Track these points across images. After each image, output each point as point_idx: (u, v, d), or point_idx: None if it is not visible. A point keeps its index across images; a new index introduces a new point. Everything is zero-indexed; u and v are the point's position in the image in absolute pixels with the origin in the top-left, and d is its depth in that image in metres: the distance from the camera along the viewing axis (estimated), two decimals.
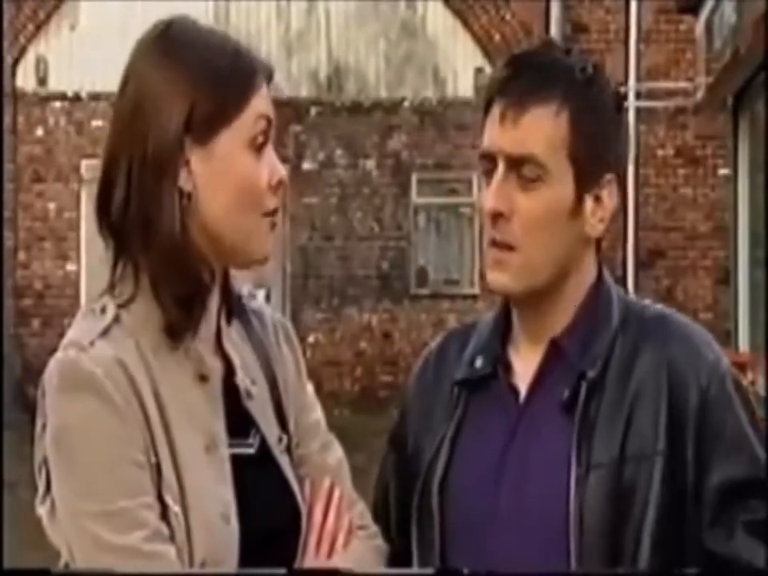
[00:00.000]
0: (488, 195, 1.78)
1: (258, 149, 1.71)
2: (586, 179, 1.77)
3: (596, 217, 1.80)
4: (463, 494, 1.81)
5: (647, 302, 1.89)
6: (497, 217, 1.77)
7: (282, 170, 1.74)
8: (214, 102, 1.69)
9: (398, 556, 1.85)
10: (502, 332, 1.86)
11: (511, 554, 1.75)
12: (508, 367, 1.83)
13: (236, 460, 1.73)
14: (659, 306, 1.87)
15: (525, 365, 1.82)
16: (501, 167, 1.77)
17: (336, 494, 1.81)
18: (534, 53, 1.84)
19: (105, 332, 1.68)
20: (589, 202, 1.79)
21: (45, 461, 1.68)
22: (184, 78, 1.69)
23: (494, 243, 1.78)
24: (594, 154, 1.78)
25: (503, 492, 1.78)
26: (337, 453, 1.88)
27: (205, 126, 1.69)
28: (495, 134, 1.78)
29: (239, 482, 1.71)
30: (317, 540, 1.77)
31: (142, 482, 1.63)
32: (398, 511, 1.89)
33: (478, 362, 1.84)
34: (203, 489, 1.67)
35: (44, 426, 1.67)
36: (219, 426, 1.72)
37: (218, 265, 1.74)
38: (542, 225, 1.76)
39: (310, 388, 1.91)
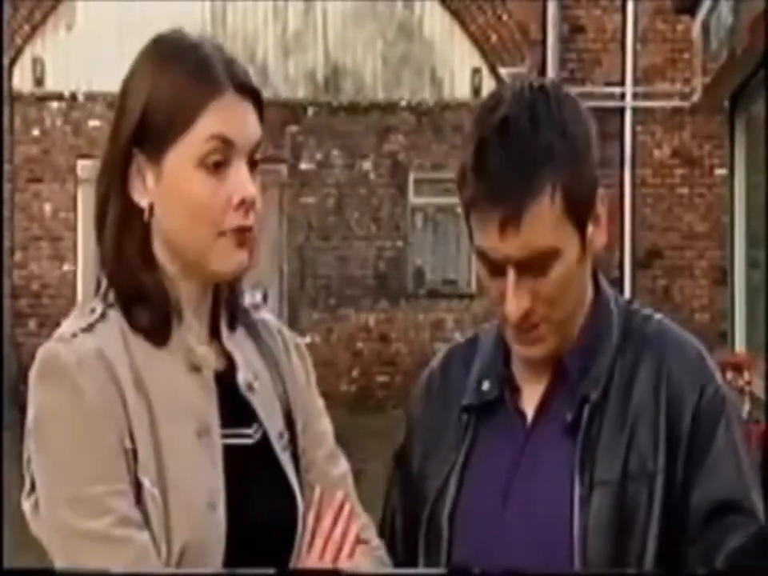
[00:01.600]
0: (508, 305, 1.73)
1: (212, 168, 1.69)
2: (587, 225, 1.77)
3: (597, 234, 1.80)
4: (471, 520, 1.81)
5: (646, 310, 1.88)
6: (526, 315, 1.74)
7: (249, 190, 1.71)
8: (162, 117, 1.70)
9: (402, 566, 1.86)
10: (505, 351, 1.85)
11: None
12: (515, 389, 1.84)
13: (233, 450, 1.74)
14: (658, 317, 1.87)
15: (531, 386, 1.82)
16: (512, 272, 1.72)
17: (346, 508, 1.81)
18: (505, 144, 1.71)
19: (89, 327, 1.71)
20: (591, 229, 1.78)
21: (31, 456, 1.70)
22: (142, 89, 1.71)
23: (519, 327, 1.76)
24: (589, 200, 1.77)
25: (510, 516, 1.79)
26: (343, 466, 1.89)
27: (155, 141, 1.70)
28: (496, 241, 1.71)
29: (234, 472, 1.72)
30: (323, 545, 1.77)
31: (112, 469, 1.65)
32: (404, 526, 1.91)
33: (485, 386, 1.84)
34: (189, 474, 1.68)
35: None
36: (212, 413, 1.73)
37: (192, 277, 1.74)
38: (564, 293, 1.75)
39: (319, 401, 1.92)
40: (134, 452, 1.67)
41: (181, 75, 1.70)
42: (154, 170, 1.71)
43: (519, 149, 1.71)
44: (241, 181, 1.70)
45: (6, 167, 14.24)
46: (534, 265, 1.72)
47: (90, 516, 1.64)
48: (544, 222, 1.71)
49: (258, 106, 1.75)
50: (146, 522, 1.66)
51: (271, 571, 1.72)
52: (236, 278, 1.80)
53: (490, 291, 1.77)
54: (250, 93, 1.73)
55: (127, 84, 1.74)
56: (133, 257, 1.72)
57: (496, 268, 1.74)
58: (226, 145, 1.70)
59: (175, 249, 1.72)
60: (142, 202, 1.72)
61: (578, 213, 1.75)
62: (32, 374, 1.70)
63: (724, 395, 1.79)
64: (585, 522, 1.72)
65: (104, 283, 1.75)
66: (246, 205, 1.71)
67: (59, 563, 1.67)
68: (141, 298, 1.72)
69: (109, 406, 1.66)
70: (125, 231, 1.72)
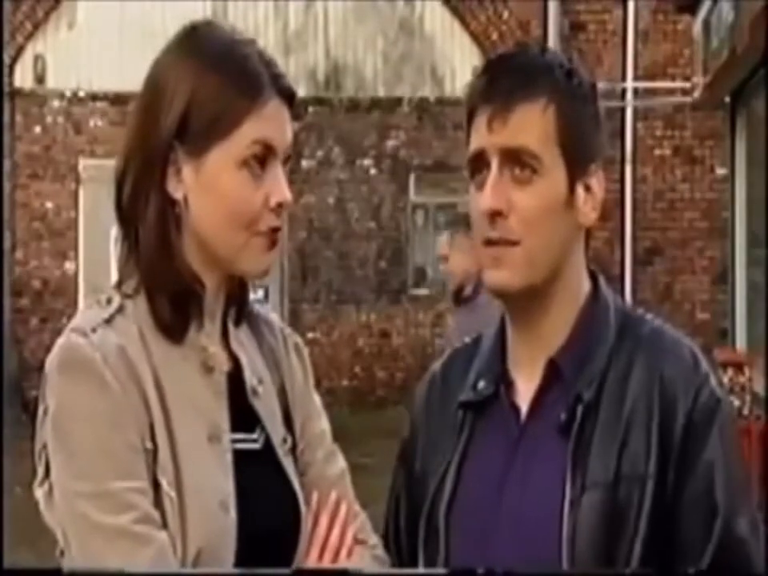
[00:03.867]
0: (484, 195, 1.78)
1: (252, 169, 1.73)
2: (576, 169, 1.80)
3: (588, 206, 1.81)
4: (466, 515, 1.82)
5: (643, 312, 1.88)
6: (495, 216, 1.77)
7: (285, 193, 1.76)
8: (207, 117, 1.71)
9: (408, 562, 1.87)
10: (501, 348, 1.86)
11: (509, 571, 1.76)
12: (510, 385, 1.84)
13: (239, 455, 1.74)
14: (654, 320, 1.87)
15: (525, 382, 1.83)
16: (494, 165, 1.78)
17: (342, 508, 1.82)
18: (510, 56, 1.85)
19: (108, 320, 1.71)
20: (580, 192, 1.80)
21: (45, 445, 1.70)
22: (185, 86, 1.72)
23: (491, 242, 1.78)
24: (581, 143, 1.80)
25: (503, 511, 1.79)
26: (340, 464, 1.90)
27: (197, 138, 1.71)
28: (484, 135, 1.78)
29: (241, 477, 1.73)
30: (319, 551, 1.78)
31: (135, 467, 1.65)
32: (408, 522, 1.91)
33: (481, 384, 1.85)
34: (202, 476, 1.69)
35: (45, 411, 1.69)
36: (223, 417, 1.74)
37: (215, 272, 1.76)
38: (540, 219, 1.77)
39: (317, 398, 1.93)
40: (154, 452, 1.67)
41: (227, 79, 1.72)
42: (193, 164, 1.72)
43: (522, 61, 1.82)
44: (279, 183, 1.76)
45: (6, 165, 14.25)
46: (516, 164, 1.77)
47: (112, 511, 1.63)
48: (532, 125, 1.77)
49: (292, 107, 1.80)
50: (163, 523, 1.66)
51: (287, 571, 1.72)
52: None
53: (474, 212, 1.80)
54: (288, 96, 1.78)
55: (163, 80, 1.73)
56: (173, 246, 1.73)
57: (481, 170, 1.79)
58: (266, 149, 1.74)
59: (207, 243, 1.73)
60: (177, 193, 1.73)
61: (569, 149, 1.79)
62: (53, 366, 1.68)
63: (719, 399, 1.78)
64: (574, 524, 1.72)
65: (127, 273, 1.75)
66: (282, 208, 1.75)
67: (76, 556, 1.67)
68: (172, 287, 1.72)
69: (132, 404, 1.67)
70: (166, 221, 1.73)
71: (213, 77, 1.72)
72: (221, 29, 1.78)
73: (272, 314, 1.92)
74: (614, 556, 1.73)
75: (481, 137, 1.79)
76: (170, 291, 1.72)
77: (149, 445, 1.67)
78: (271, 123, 1.75)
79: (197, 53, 1.74)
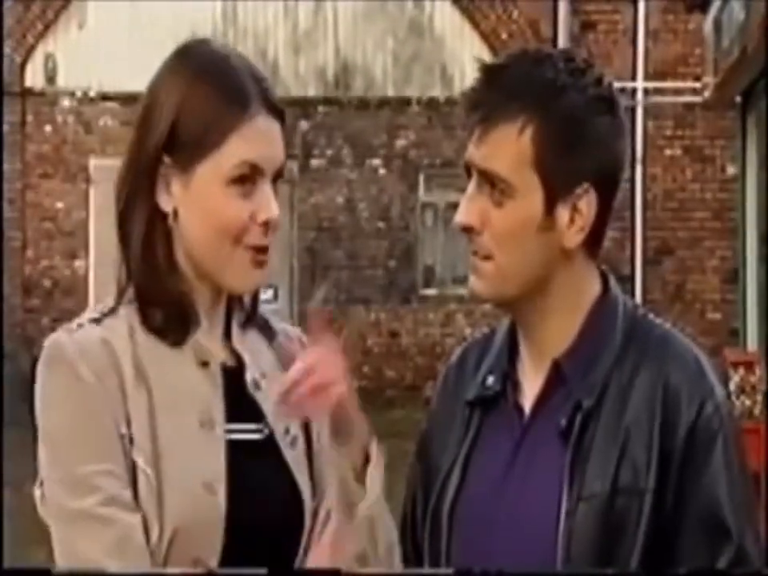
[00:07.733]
0: (458, 210, 1.80)
1: (241, 187, 1.74)
2: (556, 192, 1.76)
3: (574, 227, 1.77)
4: (468, 514, 1.82)
5: (653, 317, 1.86)
6: (466, 230, 1.79)
7: (273, 210, 1.75)
8: (194, 132, 1.73)
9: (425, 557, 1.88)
10: (511, 347, 1.87)
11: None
12: (516, 385, 1.84)
13: (240, 446, 1.76)
14: (664, 326, 1.84)
15: (530, 383, 1.83)
16: (473, 180, 1.79)
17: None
18: (502, 67, 1.80)
19: (97, 319, 1.76)
20: (564, 214, 1.76)
21: None
22: (173, 101, 1.74)
23: (472, 252, 1.81)
24: (564, 166, 1.75)
25: (503, 512, 1.79)
26: None
27: (185, 152, 1.74)
28: (471, 148, 1.79)
29: (240, 467, 1.74)
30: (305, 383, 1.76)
31: (106, 450, 1.69)
32: (422, 515, 1.91)
33: (490, 380, 1.86)
34: (186, 458, 1.71)
35: None
36: (217, 406, 1.76)
37: (208, 281, 1.78)
38: (512, 238, 1.76)
39: None
40: (131, 438, 1.70)
41: (214, 92, 1.73)
42: (182, 178, 1.74)
43: (511, 75, 1.78)
44: (267, 201, 1.75)
45: (17, 165, 14.30)
46: (491, 186, 1.77)
47: (77, 495, 1.67)
48: (506, 149, 1.75)
49: (283, 124, 1.79)
50: (139, 500, 1.68)
51: (263, 571, 1.72)
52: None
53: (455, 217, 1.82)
54: (278, 113, 1.78)
55: (154, 94, 1.76)
56: (159, 258, 1.76)
57: (469, 178, 1.80)
58: (254, 169, 1.74)
59: (194, 256, 1.76)
60: (167, 206, 1.75)
61: (548, 172, 1.75)
62: (39, 365, 1.76)
63: (723, 414, 1.75)
64: (569, 534, 1.72)
65: (122, 283, 1.78)
66: (269, 225, 1.76)
67: (54, 544, 1.70)
68: (161, 299, 1.75)
69: (107, 392, 1.70)
70: (152, 233, 1.76)
71: (200, 87, 1.74)
72: (215, 44, 1.80)
73: (289, 326, 1.93)
74: (610, 565, 1.71)
75: (469, 148, 1.79)
76: (159, 304, 1.75)
77: (124, 429, 1.70)
78: (259, 142, 1.75)
79: (187, 66, 1.76)
